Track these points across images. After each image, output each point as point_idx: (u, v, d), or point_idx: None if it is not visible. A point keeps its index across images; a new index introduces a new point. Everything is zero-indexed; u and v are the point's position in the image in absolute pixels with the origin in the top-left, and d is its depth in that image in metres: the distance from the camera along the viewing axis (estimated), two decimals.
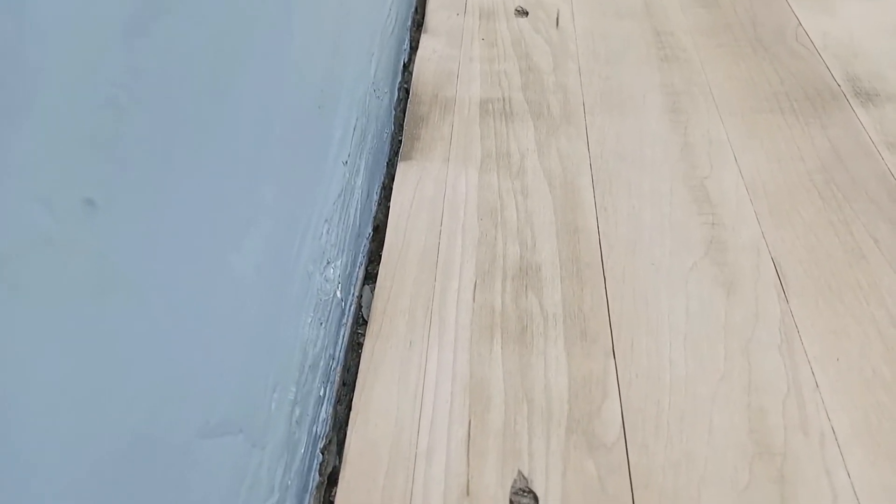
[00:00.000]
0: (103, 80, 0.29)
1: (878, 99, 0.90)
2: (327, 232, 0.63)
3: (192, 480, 0.38)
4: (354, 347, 0.70)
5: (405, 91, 1.00)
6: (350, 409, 0.61)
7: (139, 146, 0.32)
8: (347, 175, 0.70)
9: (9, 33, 0.24)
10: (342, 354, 0.67)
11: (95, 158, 0.29)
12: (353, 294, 0.72)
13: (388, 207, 0.79)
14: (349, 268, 0.71)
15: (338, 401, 0.65)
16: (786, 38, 1.02)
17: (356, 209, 0.74)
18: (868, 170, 0.80)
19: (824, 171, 0.80)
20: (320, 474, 0.60)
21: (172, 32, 0.35)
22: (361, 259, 0.76)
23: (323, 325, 0.62)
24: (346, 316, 0.69)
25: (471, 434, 0.58)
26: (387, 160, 0.90)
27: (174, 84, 0.35)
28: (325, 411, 0.62)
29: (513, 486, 0.55)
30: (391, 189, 0.81)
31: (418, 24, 1.12)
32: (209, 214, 0.40)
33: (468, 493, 0.55)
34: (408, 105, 0.93)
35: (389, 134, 0.92)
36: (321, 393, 0.61)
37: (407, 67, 1.04)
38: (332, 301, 0.65)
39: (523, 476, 0.56)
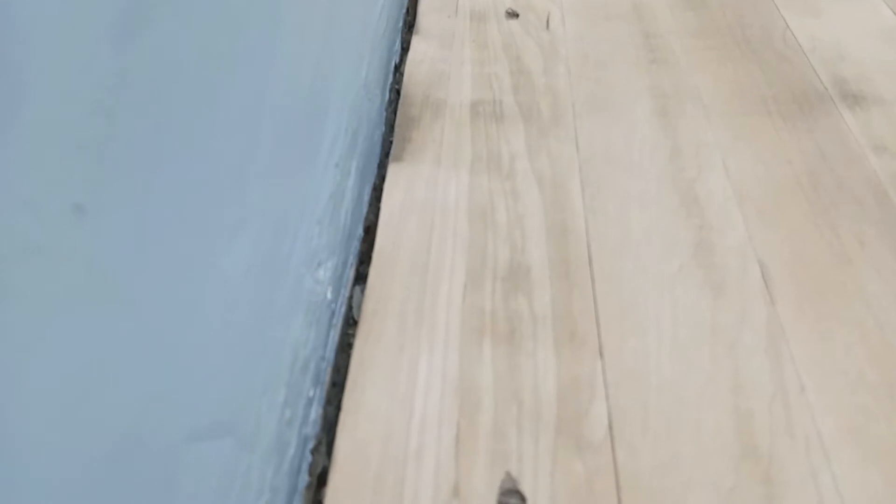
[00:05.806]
0: (91, 82, 0.29)
1: (865, 102, 0.91)
2: (318, 234, 0.64)
3: (181, 484, 0.38)
4: (344, 348, 0.70)
5: (396, 93, 1.00)
6: (340, 411, 0.61)
7: (128, 149, 0.32)
8: (339, 177, 0.70)
9: None
10: (332, 355, 0.68)
11: (84, 162, 0.29)
12: (344, 295, 0.72)
13: (379, 209, 0.80)
14: (340, 269, 0.71)
15: (328, 402, 0.65)
16: (773, 41, 1.03)
17: (347, 211, 0.74)
18: (855, 173, 0.81)
19: (811, 174, 0.81)
20: (310, 475, 0.60)
21: (162, 35, 0.35)
22: (352, 260, 0.76)
23: (313, 326, 0.62)
24: (336, 317, 0.69)
25: (460, 435, 0.59)
26: (377, 162, 0.90)
27: (164, 86, 0.35)
28: (315, 412, 0.62)
29: (501, 487, 0.56)
30: (382, 190, 0.82)
31: (409, 26, 1.13)
32: (199, 218, 0.40)
33: (457, 494, 0.55)
34: (399, 107, 0.93)
35: (380, 135, 0.92)
36: (311, 394, 0.61)
37: (398, 69, 1.04)
38: (323, 302, 0.65)
39: (511, 477, 0.56)
